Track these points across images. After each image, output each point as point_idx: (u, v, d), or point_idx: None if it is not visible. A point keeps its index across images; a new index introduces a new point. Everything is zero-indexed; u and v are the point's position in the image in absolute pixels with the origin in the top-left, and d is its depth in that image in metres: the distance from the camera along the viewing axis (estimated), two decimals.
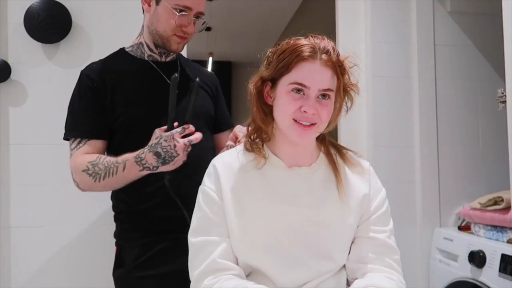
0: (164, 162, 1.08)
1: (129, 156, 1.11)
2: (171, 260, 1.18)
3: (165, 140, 1.06)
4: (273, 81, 0.92)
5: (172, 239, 1.19)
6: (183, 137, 1.08)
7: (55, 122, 1.67)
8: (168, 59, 1.30)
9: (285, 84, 0.89)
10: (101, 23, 1.72)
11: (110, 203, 1.69)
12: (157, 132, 1.10)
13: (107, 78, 1.20)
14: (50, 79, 1.67)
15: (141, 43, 1.28)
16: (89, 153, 1.18)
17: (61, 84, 1.68)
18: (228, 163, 0.96)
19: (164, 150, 1.06)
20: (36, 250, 1.63)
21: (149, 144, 1.09)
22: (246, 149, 0.98)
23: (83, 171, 1.15)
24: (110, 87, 1.20)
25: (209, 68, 4.91)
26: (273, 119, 0.94)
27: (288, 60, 0.87)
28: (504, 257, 1.43)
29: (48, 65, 1.68)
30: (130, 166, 1.10)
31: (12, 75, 1.63)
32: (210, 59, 5.01)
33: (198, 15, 1.23)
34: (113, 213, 1.70)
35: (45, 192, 1.65)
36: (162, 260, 1.20)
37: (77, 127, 1.20)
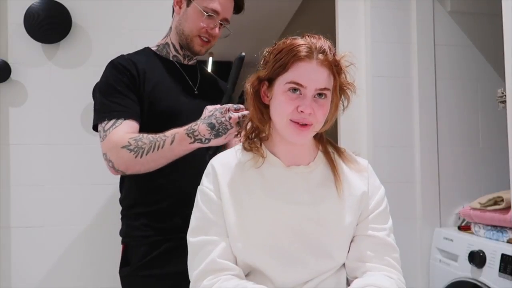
0: (217, 135, 1.08)
1: (179, 129, 1.10)
2: (178, 260, 1.16)
3: (220, 113, 1.08)
4: (270, 80, 0.92)
5: (179, 238, 1.18)
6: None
7: (55, 122, 1.67)
8: (190, 63, 1.35)
9: (281, 83, 0.89)
10: (101, 23, 1.72)
11: (110, 203, 1.70)
12: (210, 107, 1.11)
13: (139, 67, 1.23)
14: (50, 79, 1.68)
15: (167, 43, 1.33)
16: (128, 132, 1.15)
17: (61, 84, 1.68)
18: (226, 163, 0.96)
19: (219, 121, 1.08)
20: (37, 250, 1.63)
21: (202, 117, 1.10)
22: (245, 148, 0.98)
23: (123, 147, 1.11)
24: (142, 75, 1.22)
25: (209, 68, 4.91)
26: (270, 118, 0.95)
27: (285, 60, 0.88)
28: (504, 257, 1.43)
29: (48, 65, 1.68)
30: (180, 138, 1.09)
31: (12, 75, 1.63)
32: (210, 59, 5.00)
33: (224, 22, 1.29)
34: (113, 213, 1.70)
35: (45, 192, 1.65)
36: (168, 260, 1.19)
37: (113, 108, 1.18)
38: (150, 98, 1.22)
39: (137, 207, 1.24)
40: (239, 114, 1.09)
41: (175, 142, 1.10)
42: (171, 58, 1.32)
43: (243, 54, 1.16)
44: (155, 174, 1.17)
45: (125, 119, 1.16)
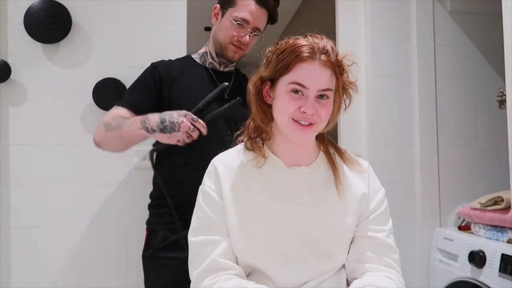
0: (163, 130, 1.16)
1: (142, 116, 1.21)
2: None
3: (178, 114, 1.16)
4: (272, 80, 0.92)
5: None
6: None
7: (55, 122, 1.67)
8: (226, 70, 1.44)
9: (284, 83, 0.89)
10: (101, 23, 1.72)
11: (110, 203, 1.71)
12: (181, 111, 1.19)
13: (171, 72, 1.36)
14: (50, 79, 1.67)
15: (206, 52, 1.44)
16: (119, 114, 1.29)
17: (61, 84, 1.68)
18: (228, 163, 0.96)
19: (170, 120, 1.16)
20: (36, 250, 1.63)
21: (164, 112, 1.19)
22: (246, 148, 0.98)
23: (103, 122, 1.26)
24: (171, 79, 1.34)
25: None
26: (272, 118, 0.95)
27: (288, 60, 0.88)
28: (504, 257, 1.43)
29: (48, 65, 1.67)
30: (135, 122, 1.20)
31: (12, 75, 1.63)
32: None
33: (255, 31, 1.36)
34: (113, 213, 1.71)
35: (45, 192, 1.65)
36: (186, 245, 1.23)
37: (125, 99, 1.34)
38: (176, 100, 1.32)
39: (162, 199, 1.34)
40: (190, 125, 1.15)
41: (131, 125, 1.20)
42: (207, 65, 1.42)
43: (226, 84, 1.28)
44: (178, 170, 1.30)
45: (127, 108, 1.30)
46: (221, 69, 1.44)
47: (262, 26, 1.38)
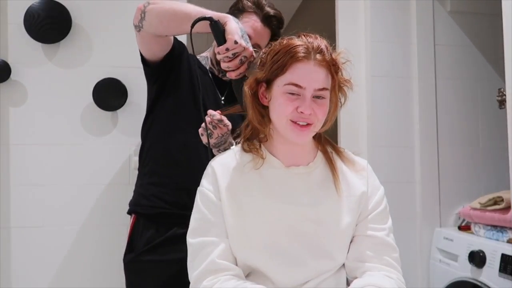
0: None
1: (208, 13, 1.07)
2: (181, 247, 1.20)
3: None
4: (268, 82, 0.92)
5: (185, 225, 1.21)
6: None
7: (55, 122, 1.67)
8: (224, 78, 1.42)
9: (280, 85, 0.89)
10: (101, 23, 1.72)
11: (110, 203, 1.70)
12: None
13: (190, 61, 1.35)
14: (50, 79, 1.67)
15: (207, 57, 1.44)
16: None
17: (61, 84, 1.68)
18: (226, 164, 0.96)
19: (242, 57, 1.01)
20: (36, 250, 1.63)
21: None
22: (244, 150, 0.98)
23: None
24: (186, 59, 1.34)
25: None
26: (269, 120, 0.94)
27: (283, 61, 0.87)
28: (504, 257, 1.43)
29: (48, 65, 1.68)
30: (194, 15, 1.05)
31: (12, 75, 1.63)
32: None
33: (255, 47, 1.31)
34: (112, 213, 1.70)
35: (45, 192, 1.65)
36: (172, 246, 1.23)
37: None
38: (179, 85, 1.31)
39: (152, 176, 1.33)
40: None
41: (188, 12, 1.08)
42: (208, 68, 1.43)
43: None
44: (176, 150, 1.28)
45: None
46: (220, 75, 1.43)
47: (263, 44, 1.35)
